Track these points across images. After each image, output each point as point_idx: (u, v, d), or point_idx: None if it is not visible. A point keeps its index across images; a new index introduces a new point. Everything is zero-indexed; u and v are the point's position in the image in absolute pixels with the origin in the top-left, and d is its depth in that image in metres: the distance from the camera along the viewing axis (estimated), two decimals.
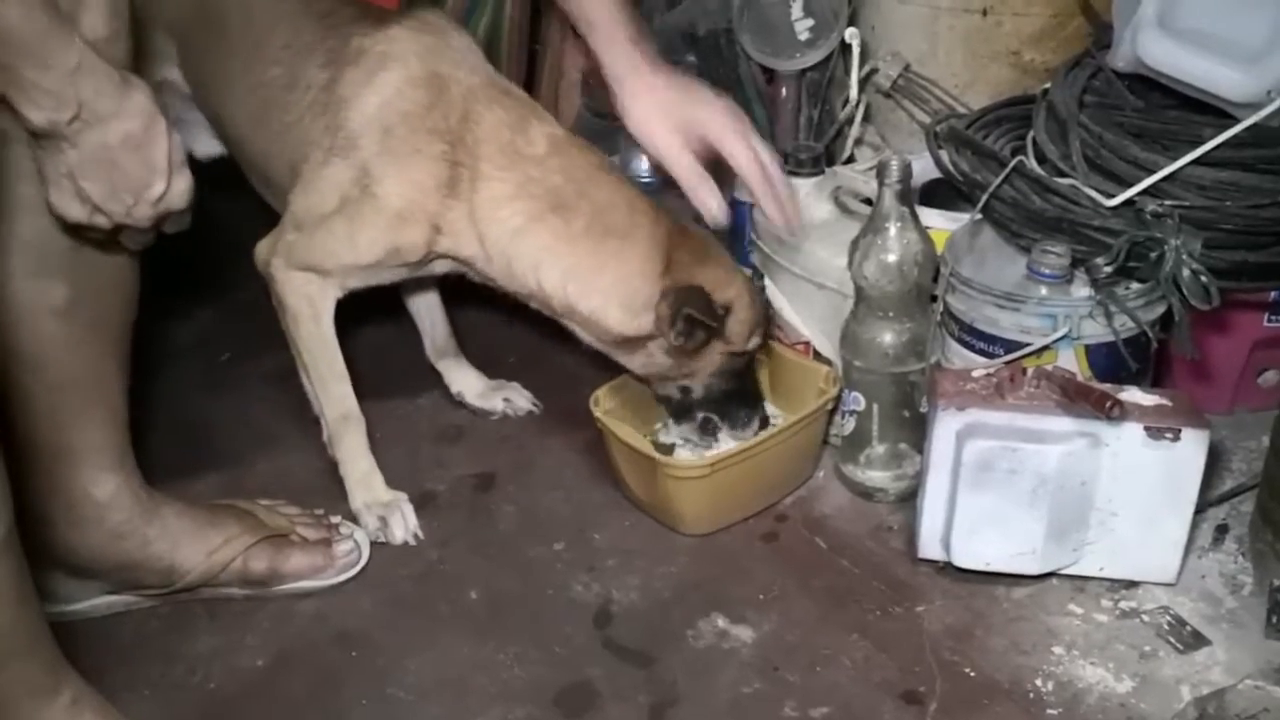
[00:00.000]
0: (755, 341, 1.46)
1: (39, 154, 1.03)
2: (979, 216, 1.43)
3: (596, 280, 1.39)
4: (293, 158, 1.44)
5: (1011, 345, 1.36)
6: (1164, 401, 1.28)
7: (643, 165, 1.70)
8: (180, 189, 1.07)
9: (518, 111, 1.43)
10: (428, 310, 1.69)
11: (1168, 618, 1.29)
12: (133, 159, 1.03)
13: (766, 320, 1.50)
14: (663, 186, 1.69)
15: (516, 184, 1.39)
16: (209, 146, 1.63)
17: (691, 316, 1.36)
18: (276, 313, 1.46)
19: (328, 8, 1.49)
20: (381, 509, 1.45)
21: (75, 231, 1.09)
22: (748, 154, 1.35)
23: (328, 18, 1.48)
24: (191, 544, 1.31)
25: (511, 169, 1.39)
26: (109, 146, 1.01)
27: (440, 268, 1.48)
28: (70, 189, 1.03)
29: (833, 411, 1.50)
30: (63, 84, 0.97)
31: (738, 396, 1.48)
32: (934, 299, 1.44)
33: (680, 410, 1.50)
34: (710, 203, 1.35)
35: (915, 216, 1.40)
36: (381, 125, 1.39)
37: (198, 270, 1.59)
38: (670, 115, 1.34)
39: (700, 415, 1.48)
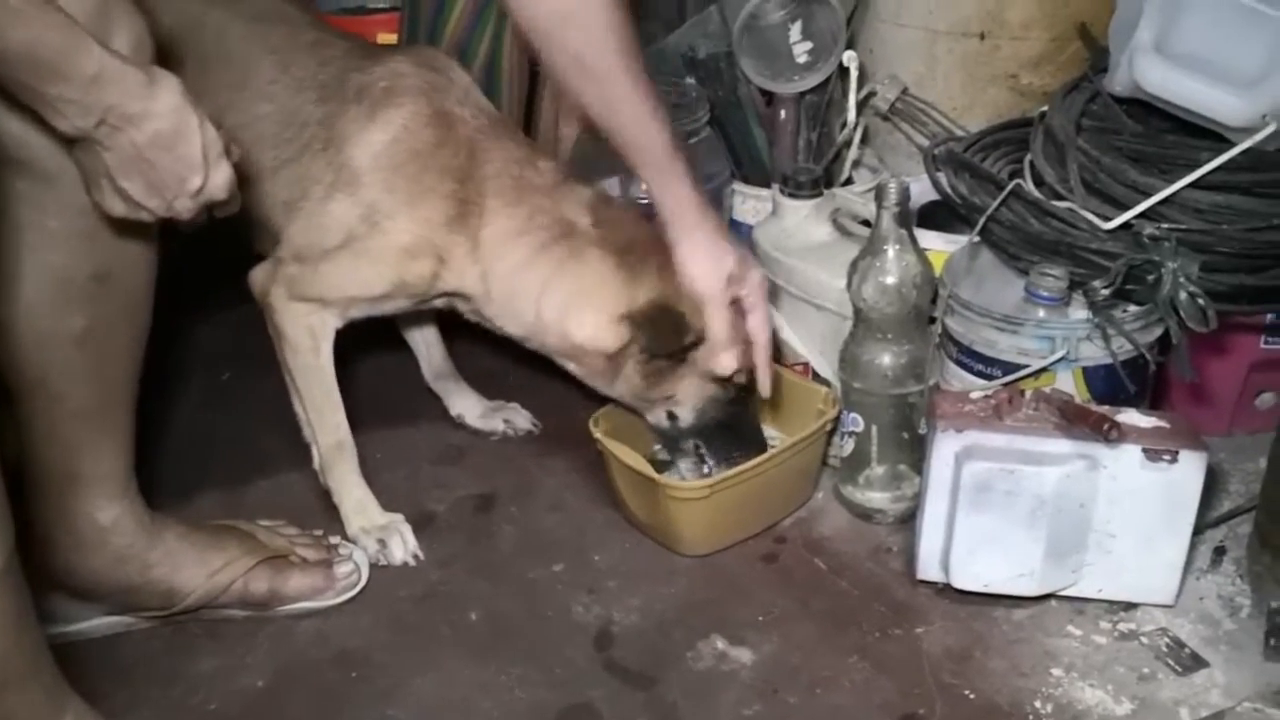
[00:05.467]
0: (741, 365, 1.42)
1: (77, 155, 1.04)
2: (977, 239, 1.44)
3: (584, 302, 1.41)
4: (288, 195, 1.43)
5: (1010, 367, 1.37)
6: (1162, 424, 1.29)
7: (643, 186, 1.70)
8: (219, 181, 1.07)
9: (524, 149, 1.44)
10: (421, 334, 1.70)
11: (1166, 639, 1.30)
12: (167, 157, 1.03)
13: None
14: None
15: (525, 218, 1.41)
16: None
17: (652, 327, 1.36)
18: (273, 341, 1.46)
19: (314, 38, 1.49)
20: (379, 532, 1.45)
21: (122, 222, 1.09)
22: (766, 325, 1.39)
23: (317, 49, 1.48)
24: (192, 566, 1.31)
25: (520, 204, 1.41)
26: (141, 147, 1.01)
27: (438, 302, 1.49)
28: (110, 188, 1.04)
29: (832, 433, 1.51)
30: (84, 93, 0.97)
31: (729, 430, 1.46)
32: (932, 321, 1.45)
33: (670, 440, 1.49)
34: (730, 365, 1.38)
35: (913, 239, 1.41)
36: (390, 163, 1.39)
37: (197, 289, 1.59)
38: (720, 266, 1.35)
39: (691, 444, 1.48)
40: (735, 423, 1.46)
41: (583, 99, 1.30)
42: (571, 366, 1.48)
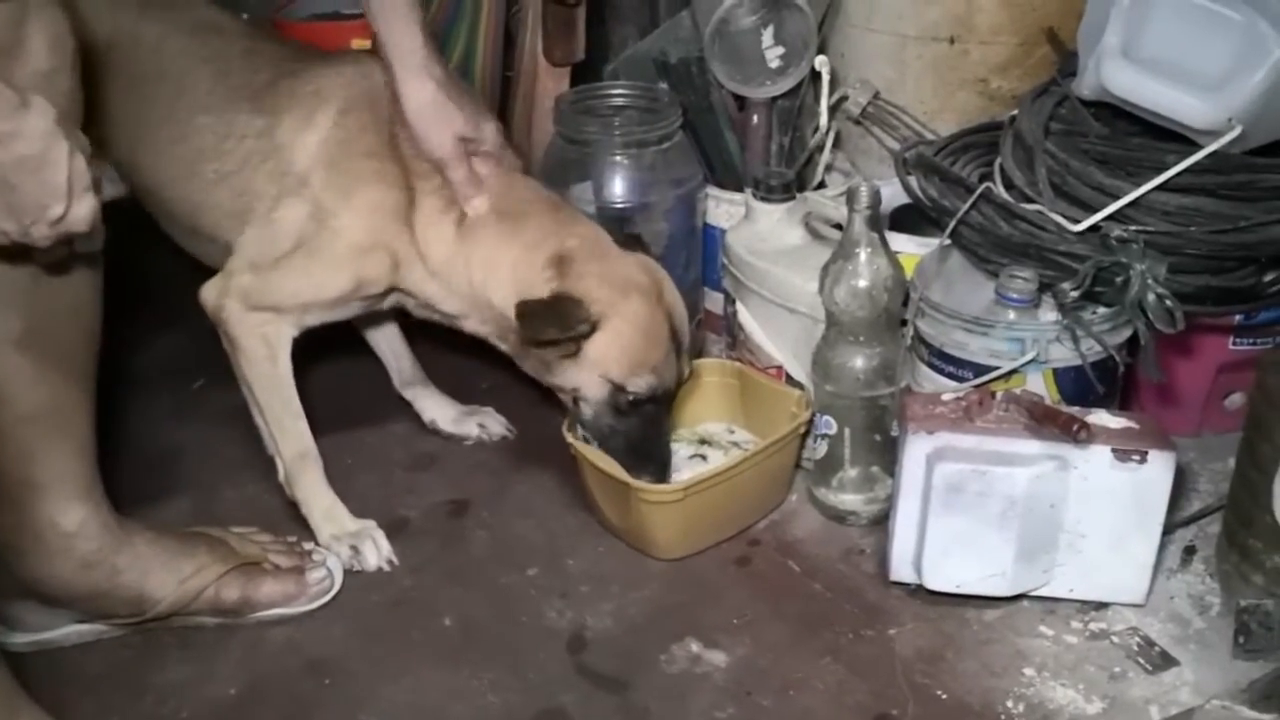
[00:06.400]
0: (641, 384, 1.40)
1: None
2: (947, 242, 1.45)
3: (500, 270, 1.41)
4: (232, 207, 1.43)
5: (980, 369, 1.37)
6: (1131, 424, 1.30)
7: (616, 190, 1.70)
8: (81, 213, 1.04)
9: None
10: (388, 343, 1.70)
11: (1137, 639, 1.30)
12: (30, 180, 1.00)
13: (671, 376, 1.44)
14: (638, 211, 1.70)
15: (445, 198, 1.41)
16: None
17: (526, 311, 1.35)
18: (228, 355, 1.45)
19: (248, 46, 1.49)
20: (351, 539, 1.45)
21: None
22: None
23: (251, 57, 1.48)
24: (162, 573, 1.30)
25: (442, 184, 1.41)
26: (5, 167, 0.99)
27: (388, 301, 1.49)
28: None
29: (805, 435, 1.51)
30: None
31: (632, 441, 1.43)
32: (904, 323, 1.46)
33: (572, 418, 1.48)
34: (475, 201, 1.41)
35: (885, 242, 1.41)
36: (326, 159, 1.40)
37: (169, 296, 1.58)
38: (449, 125, 1.37)
39: (582, 433, 1.46)
40: (639, 439, 1.43)
41: None
42: (504, 346, 1.47)
